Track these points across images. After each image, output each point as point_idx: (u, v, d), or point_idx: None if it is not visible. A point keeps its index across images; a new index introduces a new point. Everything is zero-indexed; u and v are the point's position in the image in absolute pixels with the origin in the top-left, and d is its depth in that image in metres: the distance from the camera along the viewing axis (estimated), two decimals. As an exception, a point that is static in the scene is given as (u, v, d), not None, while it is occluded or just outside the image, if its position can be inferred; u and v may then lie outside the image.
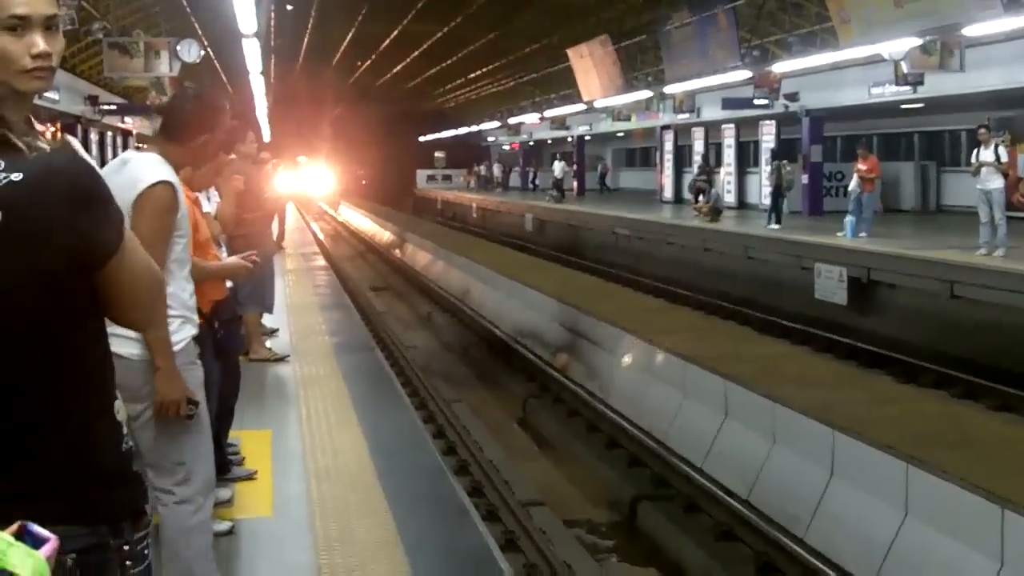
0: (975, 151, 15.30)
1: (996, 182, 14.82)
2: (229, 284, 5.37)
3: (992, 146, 15.01)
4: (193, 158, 4.08)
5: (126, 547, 1.69)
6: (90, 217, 1.64)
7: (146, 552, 1.75)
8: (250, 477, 6.11)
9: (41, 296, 1.61)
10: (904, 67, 19.28)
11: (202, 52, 20.93)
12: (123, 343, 3.52)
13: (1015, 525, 6.04)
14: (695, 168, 29.41)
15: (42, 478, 1.62)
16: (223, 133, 4.19)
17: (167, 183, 3.74)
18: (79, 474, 1.65)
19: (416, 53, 41.26)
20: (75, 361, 1.67)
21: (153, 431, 3.74)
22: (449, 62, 42.74)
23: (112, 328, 1.82)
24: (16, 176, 1.60)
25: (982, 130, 15.68)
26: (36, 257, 1.59)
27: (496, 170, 54.22)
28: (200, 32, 27.17)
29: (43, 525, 1.58)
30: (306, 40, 39.92)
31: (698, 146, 33.59)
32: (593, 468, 10.58)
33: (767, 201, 22.78)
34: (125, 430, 1.77)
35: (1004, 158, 15.03)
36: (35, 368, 1.62)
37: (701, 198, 25.53)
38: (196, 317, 4.02)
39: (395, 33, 36.37)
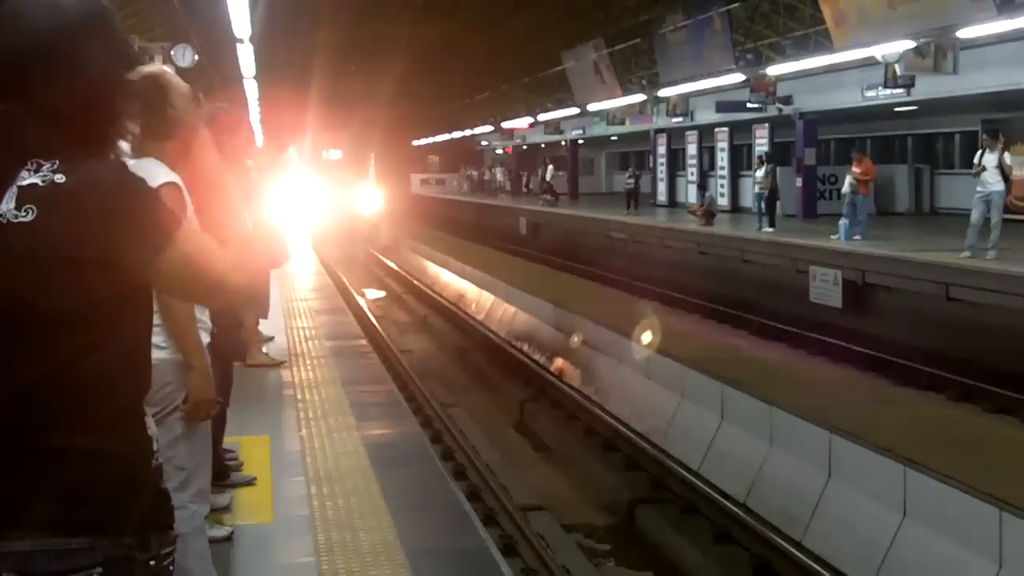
0: (979, 154, 15.35)
1: (998, 185, 14.96)
2: None
3: (997, 150, 15.11)
4: (155, 146, 3.43)
5: (152, 561, 1.67)
6: (122, 231, 1.63)
7: (171, 568, 1.74)
8: (249, 483, 6.09)
9: (65, 298, 1.60)
10: (898, 69, 19.27)
11: (196, 56, 20.86)
12: None
13: (1013, 527, 6.06)
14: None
15: (68, 481, 1.61)
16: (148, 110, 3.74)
17: (173, 184, 3.50)
18: (107, 480, 1.63)
19: (411, 55, 41.27)
20: (103, 365, 1.66)
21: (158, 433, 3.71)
22: (444, 65, 42.75)
23: None
24: (59, 178, 1.63)
25: (985, 136, 15.79)
26: (59, 259, 1.59)
27: (499, 174, 52.62)
28: (193, 37, 27.13)
29: (69, 533, 1.58)
30: (300, 42, 39.89)
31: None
32: (591, 471, 10.58)
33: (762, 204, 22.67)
34: (156, 446, 1.76)
35: (1008, 163, 15.15)
36: (62, 367, 1.62)
37: (696, 202, 25.53)
38: (209, 323, 3.96)
39: (390, 35, 36.36)
